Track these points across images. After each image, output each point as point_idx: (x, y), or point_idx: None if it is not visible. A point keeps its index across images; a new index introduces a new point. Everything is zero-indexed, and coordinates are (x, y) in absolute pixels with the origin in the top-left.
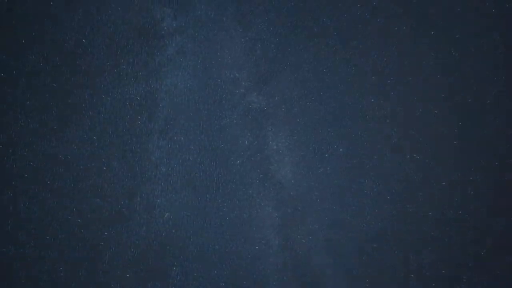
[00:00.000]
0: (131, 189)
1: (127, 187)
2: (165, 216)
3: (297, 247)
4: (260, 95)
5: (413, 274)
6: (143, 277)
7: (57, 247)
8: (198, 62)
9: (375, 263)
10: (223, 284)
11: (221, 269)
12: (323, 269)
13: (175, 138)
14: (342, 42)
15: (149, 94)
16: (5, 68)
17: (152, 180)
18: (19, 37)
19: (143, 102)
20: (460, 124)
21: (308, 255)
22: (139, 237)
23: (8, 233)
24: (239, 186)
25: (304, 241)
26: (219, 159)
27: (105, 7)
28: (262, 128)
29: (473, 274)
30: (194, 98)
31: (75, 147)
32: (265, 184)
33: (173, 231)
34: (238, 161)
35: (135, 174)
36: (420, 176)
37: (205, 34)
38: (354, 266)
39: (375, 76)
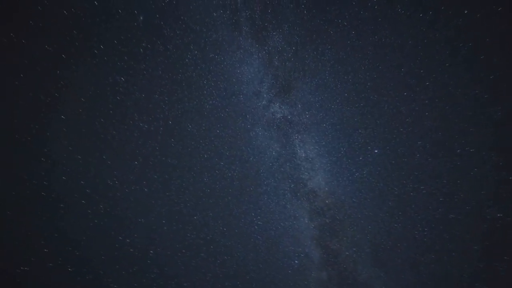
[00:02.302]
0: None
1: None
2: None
3: (341, 260)
4: (282, 104)
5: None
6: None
7: None
8: (220, 81)
9: (432, 275)
10: None
11: (261, 286)
12: (372, 283)
13: (205, 155)
14: (362, 40)
15: (176, 117)
16: None
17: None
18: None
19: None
20: None
21: (354, 268)
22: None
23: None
24: (271, 197)
25: (348, 253)
26: (249, 172)
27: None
28: (289, 137)
29: None
30: (219, 115)
31: None
32: (297, 194)
33: (211, 247)
34: (268, 173)
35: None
36: (475, 172)
37: (224, 54)
38: (408, 280)
39: (405, 69)
